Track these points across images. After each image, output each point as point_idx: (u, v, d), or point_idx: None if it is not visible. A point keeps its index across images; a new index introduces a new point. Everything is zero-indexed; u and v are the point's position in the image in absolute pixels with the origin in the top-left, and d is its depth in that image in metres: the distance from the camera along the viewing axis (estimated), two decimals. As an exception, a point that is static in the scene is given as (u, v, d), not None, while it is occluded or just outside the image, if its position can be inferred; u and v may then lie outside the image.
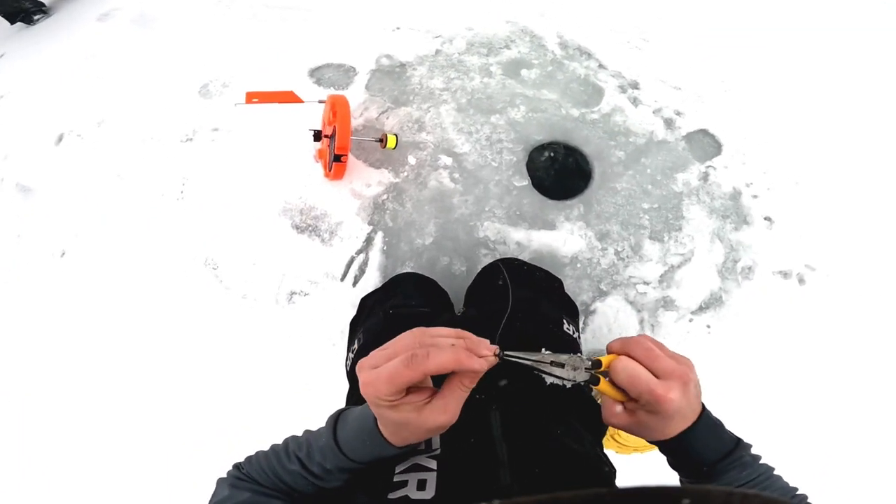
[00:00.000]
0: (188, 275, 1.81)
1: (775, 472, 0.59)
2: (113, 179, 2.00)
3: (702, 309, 1.83)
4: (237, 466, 0.60)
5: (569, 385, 0.57)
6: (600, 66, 2.12)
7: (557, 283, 1.29)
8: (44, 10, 2.87)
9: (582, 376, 0.53)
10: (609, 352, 0.55)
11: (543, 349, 0.53)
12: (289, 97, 1.81)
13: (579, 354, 0.56)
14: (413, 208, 1.80)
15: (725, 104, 2.12)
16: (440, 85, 1.98)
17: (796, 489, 0.60)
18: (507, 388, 0.72)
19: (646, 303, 1.82)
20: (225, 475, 0.60)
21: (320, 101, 1.82)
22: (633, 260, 1.85)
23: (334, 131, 1.66)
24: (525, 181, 1.86)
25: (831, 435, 1.72)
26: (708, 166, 2.00)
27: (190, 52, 2.28)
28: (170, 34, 2.37)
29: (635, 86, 2.09)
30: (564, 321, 1.03)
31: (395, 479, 0.55)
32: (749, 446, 0.59)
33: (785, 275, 1.88)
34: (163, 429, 1.70)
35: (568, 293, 1.32)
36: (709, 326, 1.82)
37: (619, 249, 1.85)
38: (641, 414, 0.52)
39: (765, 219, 1.95)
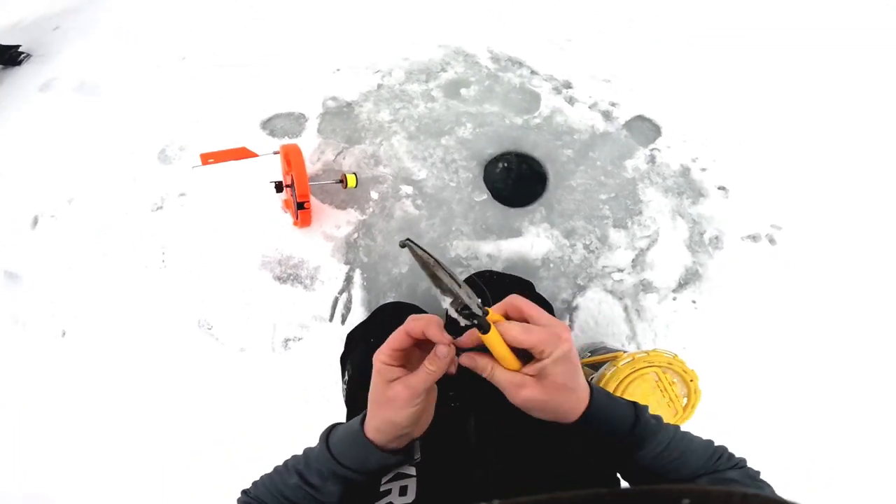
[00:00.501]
0: (185, 338, 1.85)
1: (681, 429, 0.62)
2: (96, 257, 2.03)
3: (681, 286, 1.91)
4: (244, 492, 0.64)
5: (462, 322, 0.51)
6: (532, 72, 2.22)
7: (527, 284, 1.34)
8: None
9: (476, 310, 0.50)
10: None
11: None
12: (243, 153, 1.86)
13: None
14: (384, 241, 1.86)
15: (654, 88, 2.23)
16: (388, 117, 2.06)
17: (711, 442, 0.63)
18: (484, 396, 0.72)
19: (625, 290, 1.89)
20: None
21: (275, 153, 1.87)
22: (603, 250, 1.93)
23: (293, 180, 1.71)
24: (485, 195, 1.94)
25: (826, 394, 1.79)
26: (652, 149, 2.10)
27: (141, 117, 2.31)
28: (116, 101, 2.38)
29: (568, 85, 2.20)
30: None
31: (381, 489, 0.59)
32: (645, 408, 0.60)
33: (754, 238, 1.98)
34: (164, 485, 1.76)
35: (543, 294, 1.38)
36: (694, 302, 1.90)
37: (588, 243, 1.93)
38: (551, 374, 0.51)
39: (719, 188, 2.04)
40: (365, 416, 0.59)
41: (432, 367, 0.53)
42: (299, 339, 1.82)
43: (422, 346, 0.57)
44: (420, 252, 0.49)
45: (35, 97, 2.55)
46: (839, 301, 1.89)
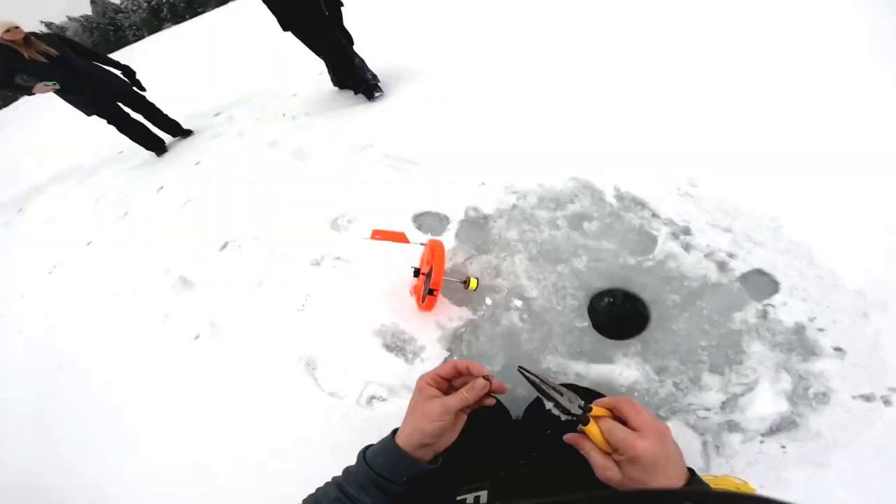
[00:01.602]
0: (292, 371, 2.20)
1: None
2: (253, 287, 2.56)
3: (773, 431, 1.80)
4: None
5: (563, 418, 0.66)
6: (653, 214, 2.36)
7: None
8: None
9: (575, 410, 0.65)
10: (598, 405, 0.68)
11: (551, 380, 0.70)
12: (402, 237, 2.23)
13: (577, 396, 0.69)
14: (486, 341, 2.13)
15: (778, 242, 2.22)
16: (515, 236, 2.37)
17: None
18: (549, 464, 0.84)
19: (708, 426, 1.83)
20: None
21: (421, 244, 2.25)
22: (693, 389, 1.91)
23: (430, 270, 2.05)
24: (586, 323, 2.13)
25: None
26: (766, 304, 2.06)
27: (327, 191, 2.91)
28: (316, 171, 3.06)
29: (686, 232, 2.28)
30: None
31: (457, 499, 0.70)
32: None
33: (867, 398, 1.82)
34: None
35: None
36: (784, 447, 1.76)
37: (678, 381, 1.94)
38: (627, 468, 0.61)
39: (835, 349, 1.92)
40: (397, 430, 0.72)
41: (468, 395, 0.69)
42: (383, 400, 2.08)
43: (458, 385, 0.73)
44: (531, 376, 0.70)
45: (262, 149, 3.40)
46: None
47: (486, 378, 0.74)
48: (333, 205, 2.85)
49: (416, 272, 2.23)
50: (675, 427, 1.88)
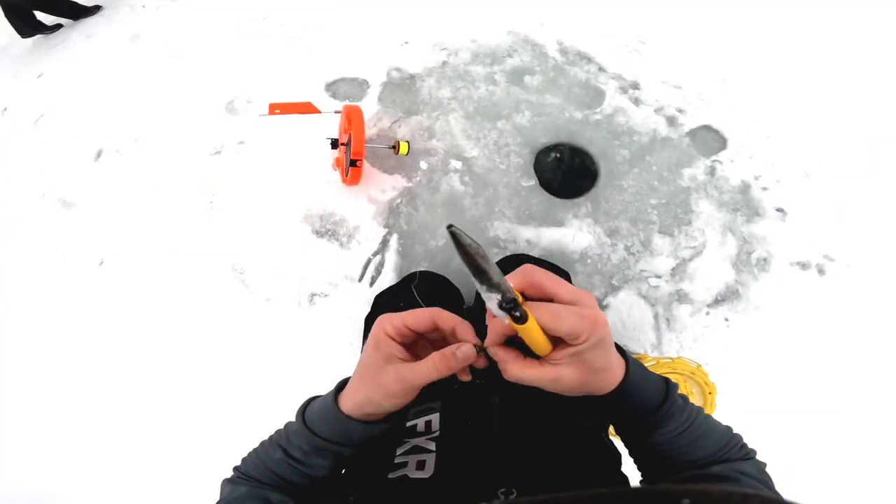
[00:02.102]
0: (217, 280, 1.93)
1: (704, 412, 0.59)
2: (150, 192, 2.14)
3: (718, 302, 1.85)
4: (235, 468, 0.61)
5: (505, 317, 0.44)
6: (600, 69, 2.19)
7: (563, 274, 1.29)
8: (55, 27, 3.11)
9: (517, 305, 0.44)
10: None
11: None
12: (307, 108, 1.93)
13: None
14: (426, 211, 1.88)
15: (727, 100, 2.16)
16: (448, 94, 2.08)
17: (730, 429, 0.61)
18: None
19: (659, 296, 1.84)
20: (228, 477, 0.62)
21: (336, 112, 1.93)
22: (644, 254, 1.88)
23: (350, 139, 1.76)
24: (532, 181, 1.93)
25: (852, 428, 1.73)
26: (714, 161, 2.03)
27: (215, 73, 2.43)
28: (196, 57, 2.53)
29: (636, 86, 2.15)
30: None
31: (396, 461, 0.57)
32: (676, 385, 0.57)
33: (803, 266, 1.89)
34: (179, 423, 1.82)
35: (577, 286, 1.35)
36: (727, 319, 1.83)
37: (629, 245, 1.89)
38: (587, 356, 0.46)
39: (777, 210, 1.96)
40: (339, 388, 0.56)
41: (442, 367, 0.48)
42: (326, 296, 1.86)
43: (432, 340, 0.53)
44: (468, 241, 0.43)
45: (125, 46, 2.74)
46: (879, 344, 1.80)
47: (479, 348, 0.50)
48: (226, 87, 2.35)
49: (335, 143, 1.90)
50: (629, 298, 1.85)
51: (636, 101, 2.11)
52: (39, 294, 2.09)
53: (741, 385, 1.71)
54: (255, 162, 2.11)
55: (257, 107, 2.23)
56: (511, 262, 1.30)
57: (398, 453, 0.58)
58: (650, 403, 0.54)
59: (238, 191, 2.07)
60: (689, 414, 0.56)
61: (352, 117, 1.76)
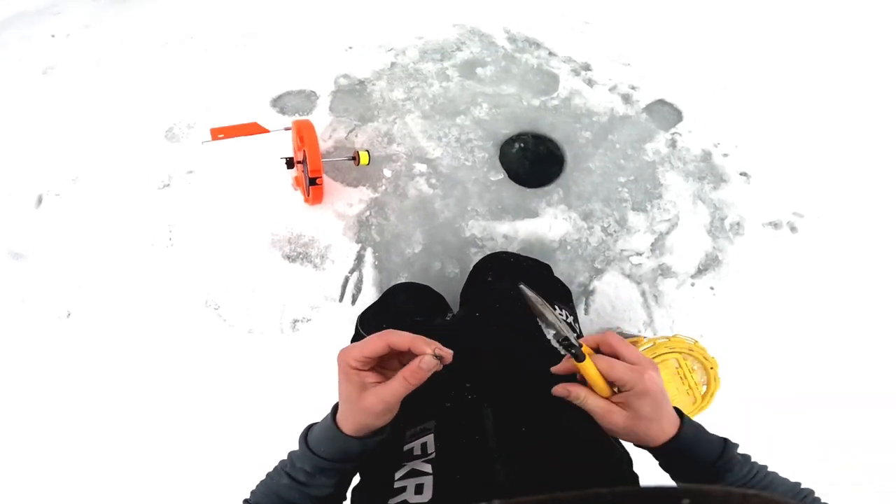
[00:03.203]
0: (192, 319, 1.81)
1: (770, 470, 0.60)
2: (101, 236, 1.99)
3: (700, 271, 1.87)
4: (245, 501, 0.62)
5: (562, 350, 0.56)
6: (550, 53, 2.17)
7: (546, 270, 1.29)
8: None
9: (574, 342, 0.56)
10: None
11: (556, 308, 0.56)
12: (254, 129, 1.81)
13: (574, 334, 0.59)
14: (397, 220, 1.81)
15: (677, 72, 2.18)
16: (402, 96, 2.00)
17: (799, 484, 0.60)
18: (502, 389, 0.74)
19: (643, 274, 1.85)
20: None
21: (286, 129, 1.82)
22: (622, 233, 1.88)
23: (305, 156, 1.67)
24: (501, 175, 1.89)
25: (845, 380, 1.76)
26: (673, 133, 2.06)
27: (147, 99, 2.26)
28: (122, 84, 2.34)
29: (587, 67, 2.14)
30: (556, 306, 1.03)
31: (395, 485, 0.58)
32: (736, 445, 0.60)
33: (775, 225, 1.94)
34: (175, 471, 1.71)
35: (560, 277, 1.33)
36: (712, 288, 1.86)
37: (606, 226, 1.88)
38: (635, 404, 0.54)
39: (741, 174, 2.00)
40: (335, 411, 0.59)
41: (413, 381, 0.54)
42: (308, 321, 1.77)
43: (400, 355, 0.57)
44: (531, 295, 0.59)
45: (38, 80, 2.51)
46: (860, 290, 1.86)
47: (437, 356, 0.54)
48: (162, 113, 2.19)
49: (290, 163, 1.80)
50: (614, 279, 1.85)
51: (590, 83, 2.11)
52: (5, 353, 1.91)
53: (738, 354, 1.73)
54: (208, 191, 1.98)
55: (199, 131, 2.09)
56: (485, 262, 1.28)
57: (397, 478, 0.59)
58: (706, 457, 0.57)
59: (196, 224, 1.94)
60: (752, 468, 0.59)
61: (303, 133, 1.66)
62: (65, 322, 1.90)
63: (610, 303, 1.83)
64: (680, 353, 1.49)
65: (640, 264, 1.86)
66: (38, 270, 1.99)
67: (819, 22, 2.35)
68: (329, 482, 0.59)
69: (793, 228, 1.94)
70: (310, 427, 0.62)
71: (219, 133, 1.77)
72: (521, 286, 0.59)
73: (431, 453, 0.61)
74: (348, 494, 0.66)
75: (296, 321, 1.77)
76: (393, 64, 2.10)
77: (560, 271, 1.81)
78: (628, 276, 1.85)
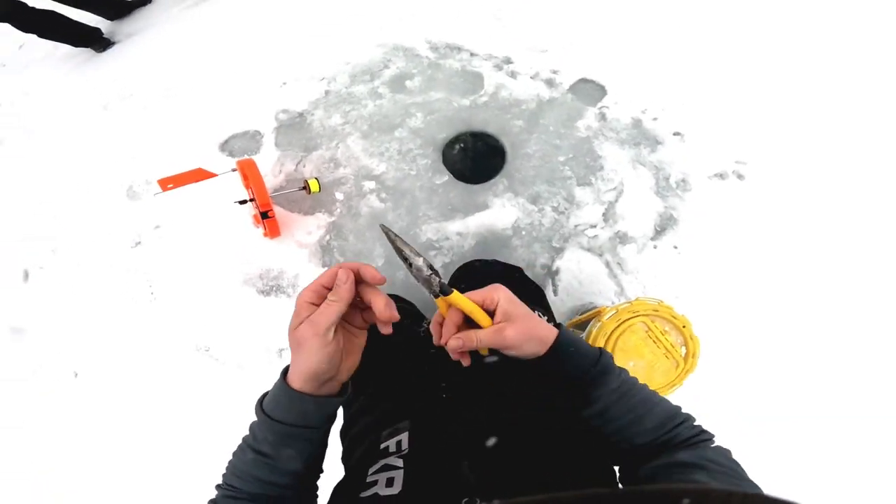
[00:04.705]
0: (186, 363, 1.92)
1: (647, 387, 0.64)
2: (89, 298, 2.09)
3: (659, 233, 1.92)
4: (218, 486, 0.62)
5: (431, 286, 0.59)
6: (472, 54, 2.26)
7: (517, 273, 1.29)
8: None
9: (435, 280, 0.59)
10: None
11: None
12: (200, 174, 1.88)
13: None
14: (356, 239, 1.91)
15: (593, 50, 2.26)
16: (339, 120, 2.10)
17: (679, 407, 0.64)
18: (469, 386, 0.76)
19: (602, 245, 1.91)
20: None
21: (232, 170, 1.91)
22: (572, 209, 1.95)
23: (253, 193, 1.75)
24: (446, 177, 1.99)
25: (817, 326, 1.77)
26: (601, 107, 2.14)
27: (100, 159, 2.35)
28: (70, 148, 2.42)
29: (508, 61, 2.24)
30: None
31: (368, 479, 0.59)
32: (610, 355, 0.63)
33: (721, 176, 1.98)
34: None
35: (520, 263, 1.35)
36: (676, 247, 1.89)
37: (555, 205, 1.96)
38: (509, 312, 0.59)
39: (674, 134, 2.06)
40: (285, 371, 0.58)
41: (333, 297, 0.54)
42: None
43: (364, 311, 0.61)
44: (391, 232, 0.60)
45: None
46: (817, 226, 1.88)
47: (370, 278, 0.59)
48: (118, 173, 2.26)
49: (243, 202, 1.87)
50: (574, 255, 1.91)
51: (513, 75, 2.20)
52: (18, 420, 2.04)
53: (714, 308, 1.75)
54: (177, 242, 2.08)
55: (157, 186, 2.17)
56: (463, 269, 1.31)
57: (370, 472, 0.61)
58: (585, 363, 0.61)
59: (173, 274, 2.05)
60: (625, 377, 0.62)
61: (247, 171, 1.75)
62: (73, 382, 2.02)
63: (576, 279, 1.89)
64: (645, 315, 1.39)
65: (595, 236, 1.92)
66: (38, 341, 2.11)
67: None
68: (294, 453, 0.57)
69: (739, 176, 1.97)
70: (265, 394, 0.61)
71: (168, 183, 1.83)
72: (381, 224, 0.63)
73: (405, 450, 0.63)
74: (329, 489, 0.66)
75: (281, 350, 1.86)
76: (327, 92, 2.19)
77: (518, 256, 1.89)
78: (588, 250, 1.91)
